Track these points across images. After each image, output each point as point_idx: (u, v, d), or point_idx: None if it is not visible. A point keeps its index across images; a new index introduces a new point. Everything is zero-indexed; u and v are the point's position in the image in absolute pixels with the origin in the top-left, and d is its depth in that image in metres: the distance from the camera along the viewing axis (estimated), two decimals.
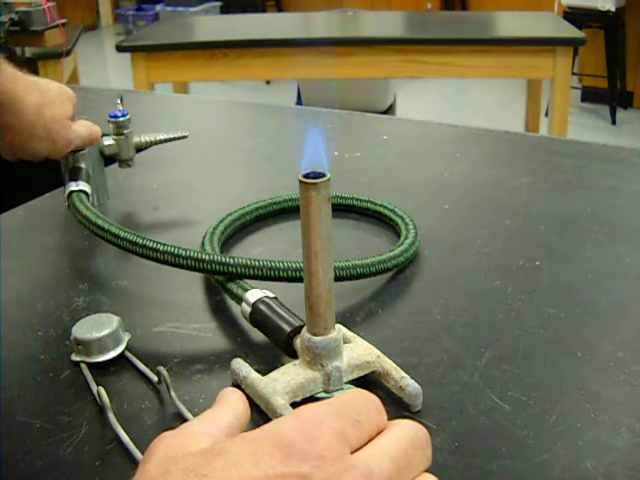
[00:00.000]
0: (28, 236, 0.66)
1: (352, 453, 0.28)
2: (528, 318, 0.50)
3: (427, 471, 0.29)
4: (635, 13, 3.74)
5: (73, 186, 0.62)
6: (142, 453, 0.37)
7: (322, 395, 0.40)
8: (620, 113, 3.76)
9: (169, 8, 5.92)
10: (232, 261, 0.49)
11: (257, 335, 0.48)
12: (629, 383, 0.43)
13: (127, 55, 2.37)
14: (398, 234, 0.61)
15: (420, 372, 0.44)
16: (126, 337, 0.47)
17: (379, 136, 0.92)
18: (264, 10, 5.59)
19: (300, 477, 0.26)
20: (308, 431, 0.28)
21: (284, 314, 0.44)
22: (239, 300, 0.48)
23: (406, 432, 0.30)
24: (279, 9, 5.88)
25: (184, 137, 0.73)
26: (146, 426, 0.41)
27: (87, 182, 0.64)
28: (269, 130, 0.96)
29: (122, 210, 0.72)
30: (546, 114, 2.91)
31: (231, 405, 0.32)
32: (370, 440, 0.30)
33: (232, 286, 0.50)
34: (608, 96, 3.70)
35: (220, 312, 0.52)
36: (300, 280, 0.48)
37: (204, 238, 0.58)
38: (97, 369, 0.46)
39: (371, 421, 0.30)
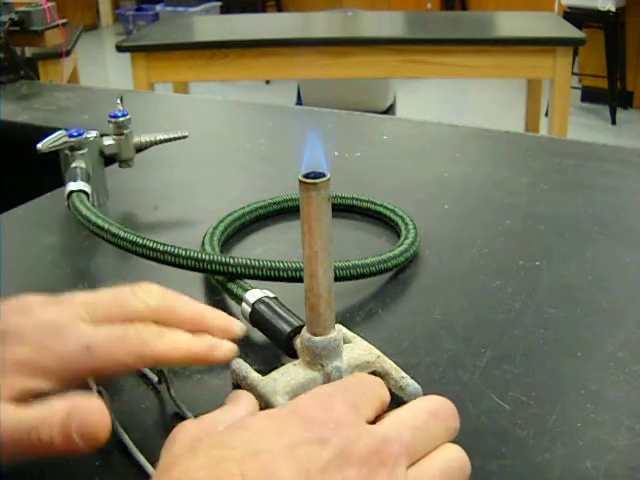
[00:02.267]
0: (28, 236, 0.66)
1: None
2: (528, 318, 0.50)
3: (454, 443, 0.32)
4: (635, 13, 3.74)
5: (73, 186, 0.62)
6: (142, 453, 0.37)
7: None
8: (620, 113, 3.76)
9: (169, 8, 5.92)
10: (232, 261, 0.49)
11: (257, 335, 0.47)
12: (629, 383, 0.43)
13: (127, 55, 2.37)
14: (398, 234, 0.61)
15: (420, 372, 0.44)
16: None
17: (379, 136, 0.92)
18: (264, 10, 5.60)
19: (321, 441, 0.28)
20: (323, 403, 0.30)
21: (284, 314, 0.44)
22: (239, 300, 0.48)
23: (427, 405, 0.32)
24: (279, 9, 5.89)
25: (184, 137, 0.73)
26: (146, 426, 0.41)
27: (87, 182, 0.64)
28: (269, 130, 0.96)
29: (122, 210, 0.72)
30: (546, 114, 2.91)
31: (243, 401, 0.34)
32: (381, 414, 0.32)
33: (232, 286, 0.49)
34: (608, 96, 3.70)
35: None
36: (300, 280, 0.48)
37: (204, 238, 0.58)
38: None
39: (376, 395, 0.33)
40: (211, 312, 0.39)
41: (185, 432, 0.30)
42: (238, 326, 0.39)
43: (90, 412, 0.31)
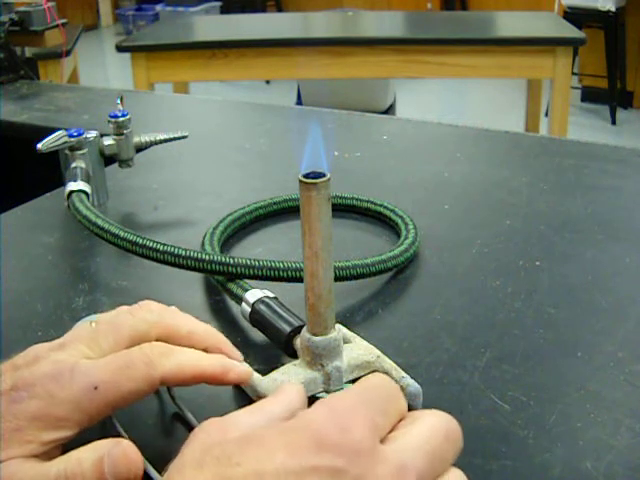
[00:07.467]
0: (28, 236, 0.66)
1: (381, 442, 0.28)
2: (528, 318, 0.50)
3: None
4: (635, 13, 3.74)
5: (73, 186, 0.62)
6: (142, 453, 0.37)
7: (322, 395, 0.40)
8: (620, 113, 3.76)
9: (169, 8, 5.92)
10: (232, 261, 0.49)
11: (257, 335, 0.47)
12: (629, 383, 0.43)
13: (127, 55, 2.37)
14: (398, 234, 0.61)
15: (420, 372, 0.44)
16: None
17: (379, 136, 0.92)
18: (264, 10, 5.59)
19: (334, 471, 0.26)
20: (342, 422, 0.27)
21: (284, 314, 0.44)
22: (239, 300, 0.48)
23: (441, 425, 0.30)
24: (279, 9, 5.88)
25: (184, 137, 0.73)
26: (146, 426, 0.41)
27: (87, 182, 0.64)
28: (269, 130, 0.96)
29: (122, 210, 0.72)
30: (546, 114, 2.91)
31: (285, 397, 0.31)
32: (393, 428, 0.29)
33: (232, 286, 0.49)
34: (608, 96, 3.70)
35: (220, 312, 0.52)
36: (300, 280, 0.48)
37: (204, 238, 0.58)
38: None
39: (396, 409, 0.30)
40: (210, 329, 0.38)
41: (203, 434, 0.29)
42: (238, 353, 0.38)
43: (122, 455, 0.30)
